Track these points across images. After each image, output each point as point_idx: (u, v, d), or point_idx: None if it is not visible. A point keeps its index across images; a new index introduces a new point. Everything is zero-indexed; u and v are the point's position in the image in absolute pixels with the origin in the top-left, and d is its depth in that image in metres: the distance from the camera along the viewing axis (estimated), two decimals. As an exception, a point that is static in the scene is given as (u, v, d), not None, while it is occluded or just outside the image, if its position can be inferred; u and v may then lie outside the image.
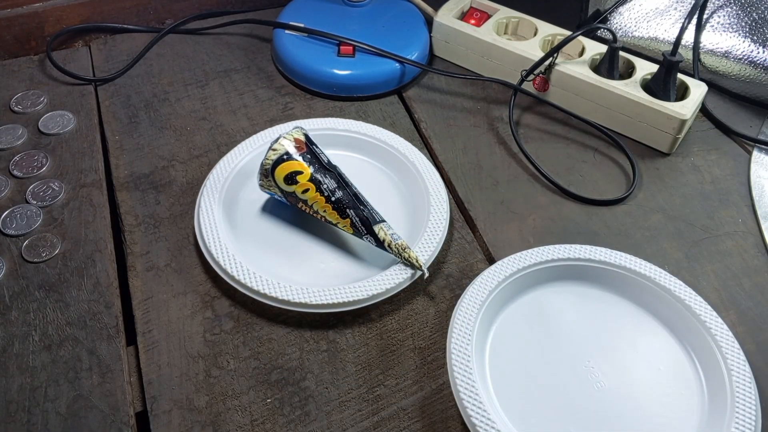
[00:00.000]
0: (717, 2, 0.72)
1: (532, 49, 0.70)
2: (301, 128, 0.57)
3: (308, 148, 0.56)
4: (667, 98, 0.66)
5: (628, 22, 0.75)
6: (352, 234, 0.55)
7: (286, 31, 0.74)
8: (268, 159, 0.55)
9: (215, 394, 0.48)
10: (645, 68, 0.68)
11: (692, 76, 0.71)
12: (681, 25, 0.69)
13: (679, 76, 0.67)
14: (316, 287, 0.52)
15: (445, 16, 0.74)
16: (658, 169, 0.66)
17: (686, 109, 0.65)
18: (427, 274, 0.54)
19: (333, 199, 0.54)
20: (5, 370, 0.49)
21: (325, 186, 0.54)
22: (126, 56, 0.75)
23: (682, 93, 0.67)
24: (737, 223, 0.62)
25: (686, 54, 0.73)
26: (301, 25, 0.74)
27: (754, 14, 0.69)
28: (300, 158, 0.55)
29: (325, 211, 0.54)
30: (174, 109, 0.70)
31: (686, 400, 0.48)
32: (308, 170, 0.55)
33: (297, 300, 0.51)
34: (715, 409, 0.47)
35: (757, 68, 0.70)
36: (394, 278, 0.53)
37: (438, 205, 0.58)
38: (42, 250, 0.56)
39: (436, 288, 0.56)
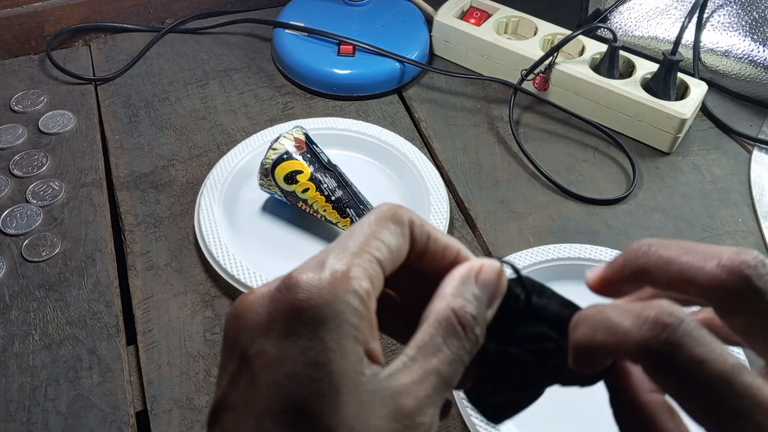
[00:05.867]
0: (717, 1, 0.72)
1: (532, 49, 0.70)
2: (301, 128, 0.57)
3: (308, 147, 0.56)
4: (667, 97, 0.66)
5: (628, 21, 0.75)
6: (352, 233, 0.55)
7: (286, 31, 0.74)
8: (268, 158, 0.55)
9: (215, 393, 0.48)
10: (645, 67, 0.68)
11: (692, 75, 0.71)
12: (681, 24, 0.69)
13: (679, 75, 0.67)
14: (316, 287, 0.52)
15: (445, 16, 0.74)
16: (658, 168, 0.66)
17: (686, 108, 0.65)
18: (427, 274, 0.54)
19: (333, 198, 0.54)
20: (5, 370, 0.49)
21: (325, 185, 0.54)
22: (126, 56, 0.75)
23: (682, 92, 0.67)
24: (737, 222, 0.62)
25: (686, 53, 0.73)
26: (301, 24, 0.73)
27: (755, 13, 0.69)
28: (300, 158, 0.55)
29: (325, 210, 0.54)
30: (174, 108, 0.70)
31: (686, 399, 0.48)
32: (308, 170, 0.55)
33: (297, 299, 0.51)
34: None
35: (757, 67, 0.70)
36: (394, 278, 0.53)
37: (438, 205, 0.58)
38: (42, 250, 0.56)
39: (436, 287, 0.55)
